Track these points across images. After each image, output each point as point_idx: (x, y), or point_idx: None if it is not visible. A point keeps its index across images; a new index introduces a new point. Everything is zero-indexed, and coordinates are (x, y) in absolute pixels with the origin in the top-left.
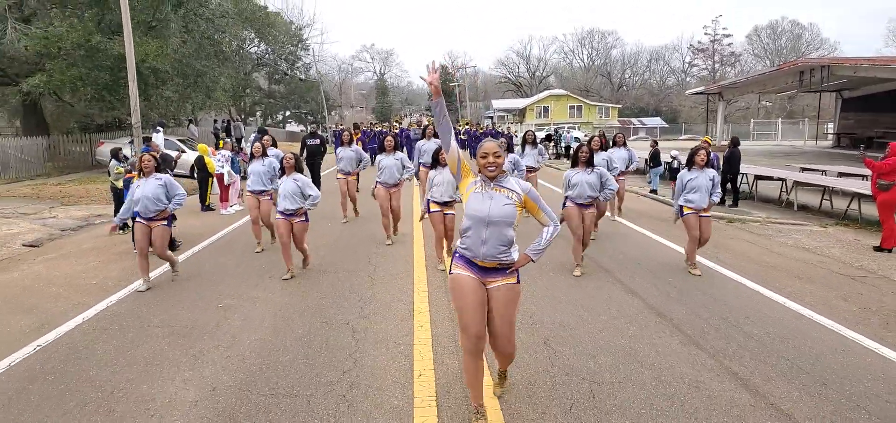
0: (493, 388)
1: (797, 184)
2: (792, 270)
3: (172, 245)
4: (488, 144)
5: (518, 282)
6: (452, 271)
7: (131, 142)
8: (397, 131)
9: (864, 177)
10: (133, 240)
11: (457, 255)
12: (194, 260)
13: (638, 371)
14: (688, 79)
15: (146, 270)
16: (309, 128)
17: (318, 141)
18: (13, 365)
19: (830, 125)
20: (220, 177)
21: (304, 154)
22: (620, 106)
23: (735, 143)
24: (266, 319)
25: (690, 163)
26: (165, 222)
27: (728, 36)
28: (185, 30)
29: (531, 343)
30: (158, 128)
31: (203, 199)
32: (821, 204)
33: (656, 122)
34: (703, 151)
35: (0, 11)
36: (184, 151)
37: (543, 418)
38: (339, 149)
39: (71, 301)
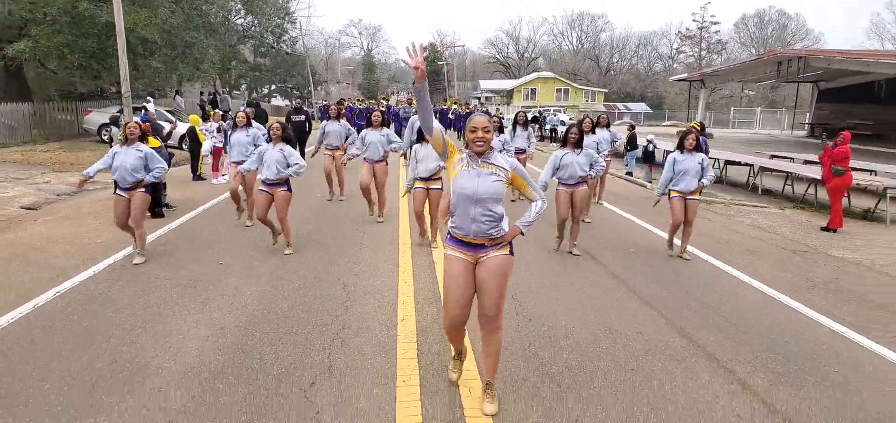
0: (482, 405)
1: (762, 169)
2: (744, 245)
3: (159, 212)
4: (478, 118)
5: (511, 254)
6: (446, 252)
7: (121, 111)
8: (384, 109)
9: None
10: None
11: (449, 236)
12: (190, 225)
13: (592, 321)
14: (675, 65)
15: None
16: (294, 103)
17: (302, 117)
18: (38, 307)
19: (808, 115)
20: (218, 150)
21: (291, 129)
22: (606, 90)
23: (701, 128)
24: (263, 275)
25: (681, 147)
26: (144, 190)
27: (716, 23)
28: (174, 0)
29: None
30: (149, 98)
31: (194, 169)
32: (783, 189)
33: (641, 107)
34: (692, 136)
35: None
36: (172, 123)
37: (505, 352)
38: (327, 123)
39: (79, 257)
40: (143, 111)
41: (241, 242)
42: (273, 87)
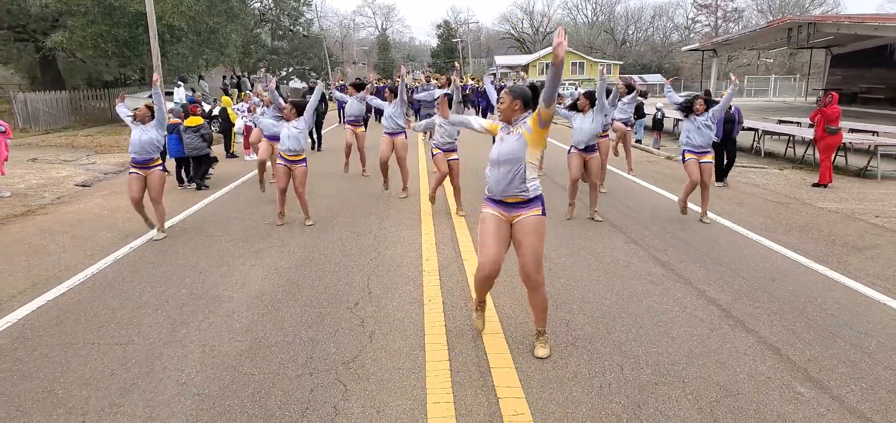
0: (535, 349)
1: (765, 133)
2: (733, 198)
3: (204, 185)
4: (503, 93)
5: (543, 214)
6: (483, 211)
7: (151, 96)
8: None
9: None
10: (178, 179)
11: (485, 198)
12: (232, 195)
13: (585, 257)
14: (691, 36)
15: (146, 216)
16: (308, 84)
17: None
18: (118, 259)
19: (822, 81)
20: (248, 129)
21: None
22: (622, 62)
23: (708, 96)
24: (306, 230)
25: (689, 111)
26: (160, 168)
27: None
28: None
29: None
30: (179, 82)
31: (227, 146)
32: (786, 151)
33: (657, 78)
34: (701, 99)
35: None
36: (210, 104)
37: (510, 278)
38: (346, 96)
39: (139, 223)
40: (191, 92)
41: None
42: (290, 69)
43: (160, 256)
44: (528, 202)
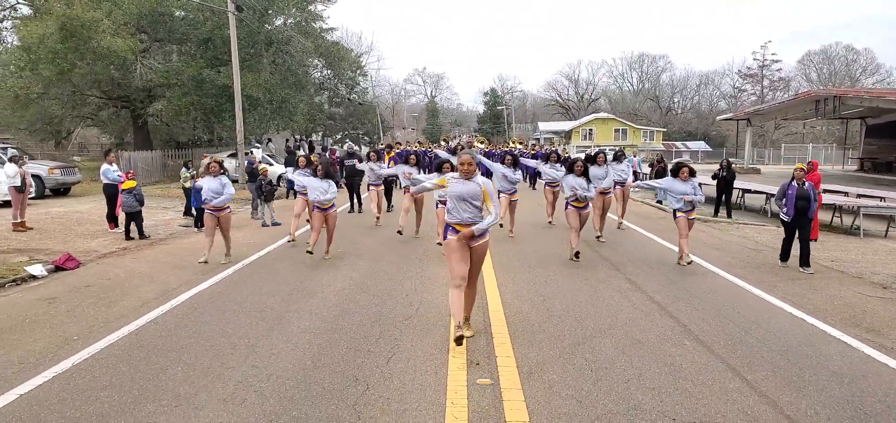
0: (463, 331)
1: (768, 196)
2: (717, 246)
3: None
4: (465, 157)
5: (487, 240)
6: (447, 239)
7: (233, 155)
8: (447, 149)
9: (845, 194)
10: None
11: (448, 227)
12: (302, 238)
13: (574, 276)
14: (738, 105)
15: (209, 248)
16: (345, 149)
17: (355, 160)
18: (237, 270)
19: (860, 149)
20: None
21: (344, 175)
22: (665, 130)
23: (728, 166)
24: (368, 256)
25: (675, 174)
26: (229, 210)
27: (777, 61)
28: (273, 63)
29: (521, 266)
30: (257, 144)
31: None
32: None
33: (700, 145)
34: (685, 169)
35: (132, 56)
36: (271, 165)
37: (521, 284)
38: (369, 164)
39: (240, 253)
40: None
41: (342, 243)
42: (346, 133)
43: (265, 269)
44: (481, 233)
